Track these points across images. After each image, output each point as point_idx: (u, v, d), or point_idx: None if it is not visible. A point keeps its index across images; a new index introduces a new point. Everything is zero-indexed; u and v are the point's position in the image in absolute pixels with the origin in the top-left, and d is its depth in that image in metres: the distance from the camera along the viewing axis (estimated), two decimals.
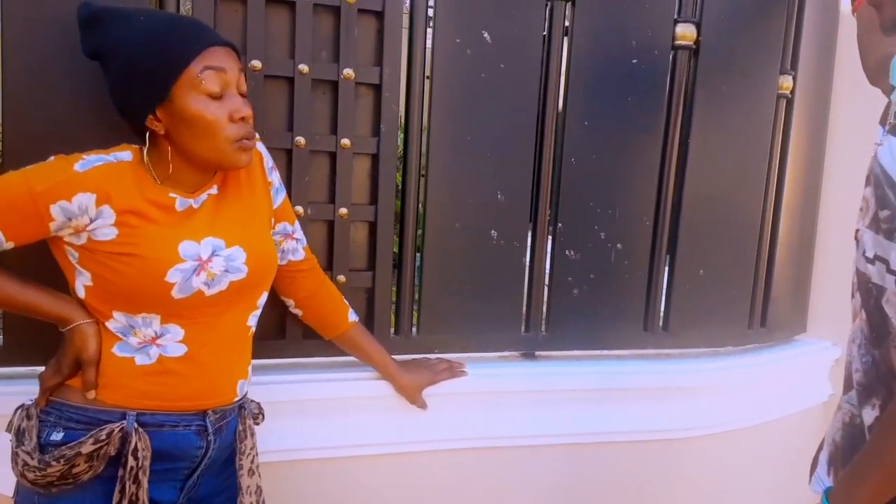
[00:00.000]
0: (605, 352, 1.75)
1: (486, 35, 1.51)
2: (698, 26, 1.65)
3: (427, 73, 1.50)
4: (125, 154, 1.08)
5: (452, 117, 1.52)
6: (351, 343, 1.44)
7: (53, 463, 1.02)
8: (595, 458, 1.70)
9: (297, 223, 1.33)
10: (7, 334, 1.31)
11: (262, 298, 1.22)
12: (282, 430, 1.43)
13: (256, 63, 1.34)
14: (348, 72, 1.40)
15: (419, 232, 1.57)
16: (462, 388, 1.55)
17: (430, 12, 1.49)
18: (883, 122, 1.00)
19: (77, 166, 1.02)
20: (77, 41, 1.10)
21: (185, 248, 1.06)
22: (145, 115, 1.05)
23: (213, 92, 1.05)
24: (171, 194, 1.09)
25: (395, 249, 1.55)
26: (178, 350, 1.10)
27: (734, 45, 1.69)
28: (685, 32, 1.63)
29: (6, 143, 1.24)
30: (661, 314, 1.79)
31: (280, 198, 1.28)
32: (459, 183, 1.55)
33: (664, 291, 1.77)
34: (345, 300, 1.42)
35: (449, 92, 1.50)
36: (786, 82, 1.75)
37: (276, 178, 1.27)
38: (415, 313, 1.60)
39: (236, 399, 1.19)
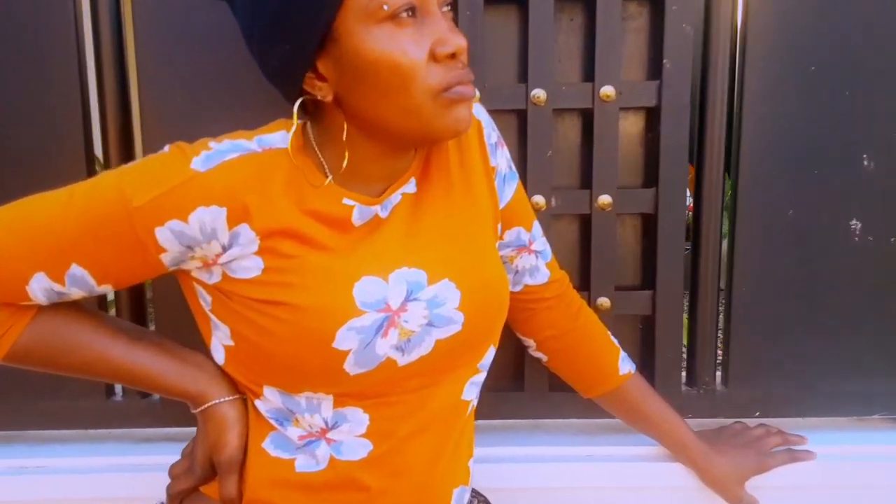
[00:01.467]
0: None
1: None
2: None
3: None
4: (276, 138, 0.67)
5: (781, 36, 0.93)
6: (624, 405, 0.93)
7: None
8: None
9: (536, 226, 0.85)
10: None
11: (487, 358, 0.76)
12: None
13: None
14: None
15: (728, 224, 1.00)
16: (807, 479, 0.95)
17: None
18: None
19: (196, 163, 0.63)
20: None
21: (363, 290, 0.66)
22: (301, 73, 0.64)
23: (402, 14, 0.61)
24: (346, 200, 0.67)
25: (690, 255, 1.00)
26: (360, 451, 0.70)
27: None
28: None
29: (145, 127, 0.93)
30: None
31: (510, 189, 0.81)
32: (792, 144, 0.95)
33: None
34: (613, 339, 0.91)
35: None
36: None
37: (503, 158, 0.80)
38: (720, 354, 1.04)
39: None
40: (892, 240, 0.97)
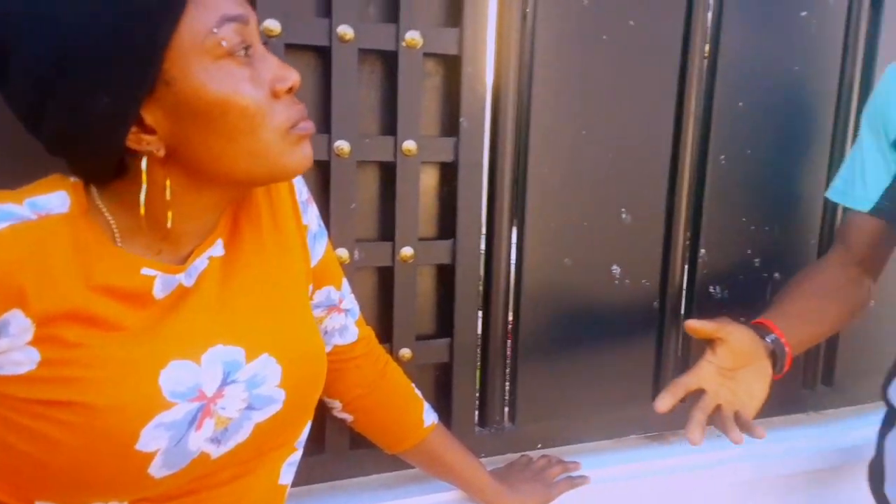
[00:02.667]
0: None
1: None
2: None
3: (524, 39, 1.00)
4: (52, 200, 0.56)
5: (561, 105, 1.02)
6: (427, 456, 0.93)
7: None
8: None
9: (345, 284, 0.82)
10: None
11: (305, 434, 0.72)
12: None
13: (273, 25, 0.83)
14: (412, 37, 0.89)
15: (515, 276, 1.06)
16: (583, 499, 1.06)
17: None
18: None
19: None
20: None
21: (172, 377, 0.57)
22: (124, 131, 0.54)
23: (239, 55, 0.55)
24: (146, 270, 0.58)
25: (482, 304, 1.05)
26: None
27: None
28: None
29: None
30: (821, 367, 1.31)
31: (321, 247, 0.77)
32: (567, 201, 1.05)
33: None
34: (417, 392, 0.91)
35: (557, 67, 1.00)
36: None
37: (313, 216, 0.77)
38: (509, 395, 1.10)
39: None
40: (644, 282, 1.12)
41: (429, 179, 0.99)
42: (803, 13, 1.12)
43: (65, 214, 0.55)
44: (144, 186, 0.56)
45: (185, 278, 0.61)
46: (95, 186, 0.59)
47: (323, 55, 0.88)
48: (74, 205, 0.56)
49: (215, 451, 0.60)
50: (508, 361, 1.10)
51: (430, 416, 0.91)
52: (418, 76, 0.91)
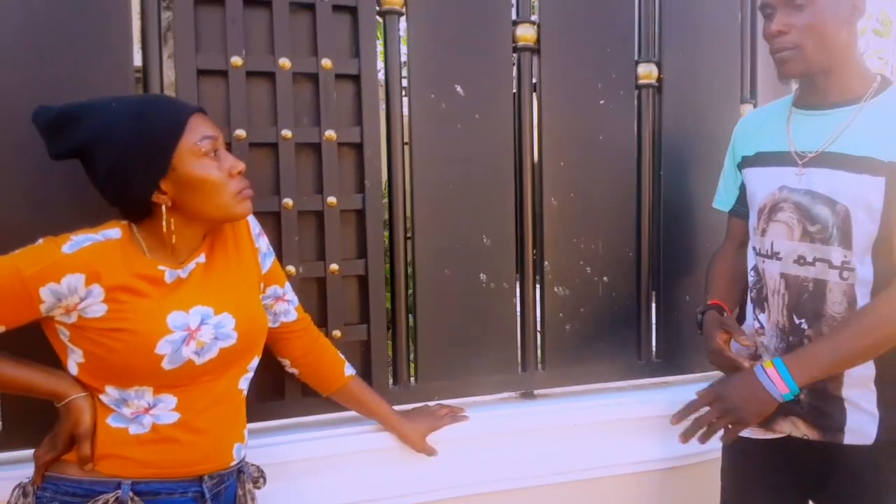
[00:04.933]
0: (603, 385, 1.77)
1: (458, 88, 1.57)
2: (659, 66, 1.73)
3: (405, 129, 1.56)
4: (114, 232, 1.11)
5: (433, 167, 1.57)
6: (350, 397, 1.45)
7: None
8: (603, 492, 1.70)
9: (287, 285, 1.36)
10: (6, 419, 1.32)
11: (254, 363, 1.23)
12: (286, 492, 1.42)
13: (241, 132, 1.40)
14: (330, 133, 1.46)
15: (410, 282, 1.60)
16: (465, 433, 1.56)
17: (405, 71, 1.56)
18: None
19: (65, 248, 1.05)
20: None
21: (173, 318, 1.09)
22: (151, 191, 1.09)
23: (211, 155, 1.11)
24: (161, 267, 1.12)
25: (388, 301, 1.58)
26: (172, 418, 1.12)
27: (695, 82, 1.77)
28: (648, 72, 1.72)
29: None
30: (654, 343, 1.82)
31: (269, 262, 1.31)
32: (445, 230, 1.59)
33: (654, 320, 1.81)
34: (340, 355, 1.44)
35: (428, 144, 1.56)
36: None
37: (263, 243, 1.31)
38: (412, 363, 1.62)
39: (233, 463, 1.20)
40: (504, 284, 1.65)
41: (348, 220, 1.53)
42: (601, 101, 1.68)
43: (119, 239, 1.11)
44: (165, 222, 1.11)
45: (182, 273, 1.14)
46: (135, 225, 1.14)
47: (273, 147, 1.44)
48: (124, 234, 1.12)
49: (198, 360, 1.10)
50: (411, 339, 1.62)
51: (349, 370, 1.44)
52: (334, 157, 1.47)
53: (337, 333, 1.51)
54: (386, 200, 1.57)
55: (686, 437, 1.29)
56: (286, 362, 1.41)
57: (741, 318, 1.53)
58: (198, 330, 1.10)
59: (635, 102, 1.72)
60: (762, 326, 1.41)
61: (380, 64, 1.52)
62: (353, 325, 1.54)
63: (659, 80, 1.73)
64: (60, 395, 1.09)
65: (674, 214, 1.77)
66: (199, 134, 1.10)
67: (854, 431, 1.28)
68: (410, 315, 1.61)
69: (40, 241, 1.07)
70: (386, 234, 1.56)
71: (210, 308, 1.13)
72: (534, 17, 1.64)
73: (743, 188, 1.47)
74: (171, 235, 1.12)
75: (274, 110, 1.43)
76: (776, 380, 1.21)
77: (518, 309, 1.69)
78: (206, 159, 1.10)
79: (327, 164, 1.47)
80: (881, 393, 1.26)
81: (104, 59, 1.32)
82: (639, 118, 1.73)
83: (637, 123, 1.73)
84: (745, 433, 1.43)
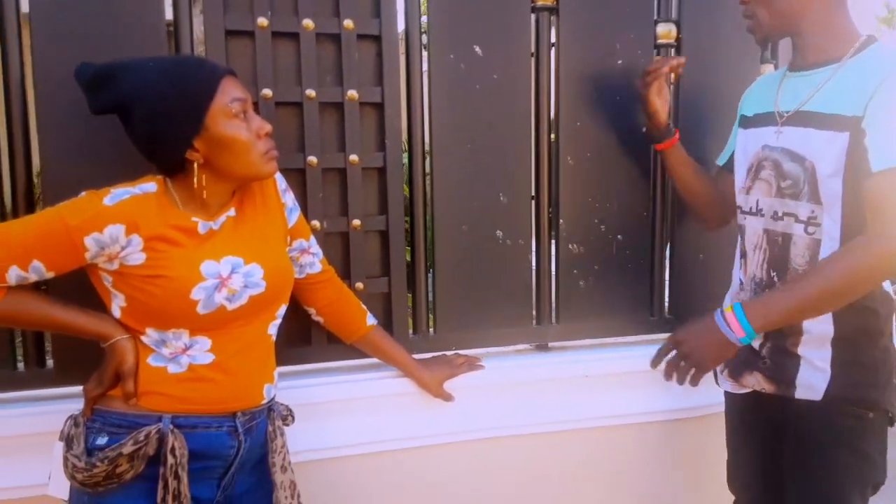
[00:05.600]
0: (616, 339, 1.83)
1: (477, 49, 1.61)
2: (678, 24, 1.74)
3: (425, 88, 1.60)
4: (150, 185, 1.19)
5: (451, 127, 1.62)
6: (371, 345, 1.54)
7: (98, 464, 1.13)
8: (612, 440, 1.78)
9: (312, 238, 1.43)
10: (57, 358, 1.43)
11: (281, 310, 1.32)
12: (312, 431, 1.53)
13: (267, 91, 1.46)
14: (352, 93, 1.52)
15: (429, 236, 1.67)
16: (482, 381, 1.64)
17: (425, 32, 1.60)
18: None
19: (106, 200, 1.13)
20: None
21: (206, 267, 1.17)
22: (185, 149, 1.15)
23: (241, 116, 1.17)
24: (194, 218, 1.19)
25: (408, 255, 1.65)
26: (207, 359, 1.21)
27: (714, 42, 1.78)
28: (667, 31, 1.73)
29: (45, 181, 1.37)
30: (667, 300, 1.87)
31: (294, 216, 1.38)
32: (463, 188, 1.65)
33: (667, 278, 1.85)
34: (363, 306, 1.52)
35: (447, 104, 1.61)
36: None
37: (289, 198, 1.38)
38: (430, 314, 1.70)
39: (264, 402, 1.29)
40: (520, 241, 1.71)
41: (370, 177, 1.60)
42: (619, 61, 1.70)
43: (154, 192, 1.18)
44: (196, 178, 1.18)
45: (214, 224, 1.22)
46: (170, 180, 1.21)
47: (298, 108, 1.50)
48: (160, 188, 1.19)
49: (229, 306, 1.18)
50: (430, 291, 1.70)
51: (371, 320, 1.52)
52: (356, 116, 1.53)
53: (360, 285, 1.59)
54: (406, 158, 1.63)
55: (666, 377, 1.34)
56: (312, 311, 1.49)
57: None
58: (229, 278, 1.18)
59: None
60: (741, 282, 1.46)
61: (400, 24, 1.57)
62: (375, 277, 1.62)
63: (678, 39, 1.75)
64: (106, 336, 1.19)
65: None
66: (230, 95, 1.15)
67: (804, 386, 1.32)
68: (429, 268, 1.68)
69: (83, 193, 1.15)
70: (406, 190, 1.62)
71: (240, 258, 1.21)
72: None
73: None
74: (203, 191, 1.19)
75: (298, 70, 1.49)
76: (733, 324, 1.23)
77: (533, 265, 1.75)
78: (236, 120, 1.16)
79: (349, 122, 1.53)
80: (836, 353, 1.29)
81: (138, 15, 1.39)
82: None
83: None
84: (725, 387, 1.50)
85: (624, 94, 1.72)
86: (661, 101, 1.55)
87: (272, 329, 1.31)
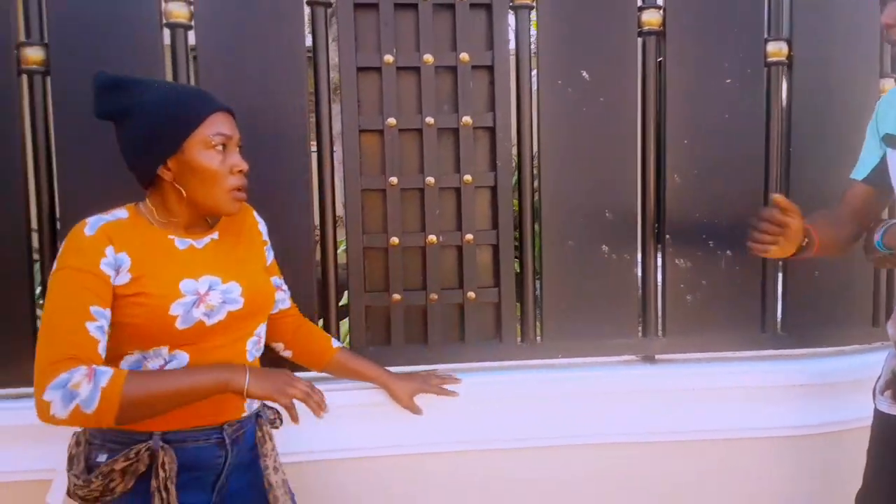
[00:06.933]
0: (724, 354, 1.84)
1: (584, 74, 1.71)
2: (789, 43, 1.75)
3: (534, 112, 1.72)
4: (122, 212, 1.24)
5: (559, 147, 1.73)
6: (340, 367, 1.55)
7: (94, 480, 1.19)
8: (717, 455, 1.79)
9: (282, 279, 1.50)
10: None
11: (261, 328, 1.35)
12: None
13: (392, 120, 1.64)
14: (466, 119, 1.66)
15: (537, 249, 1.78)
16: (588, 390, 1.73)
17: (534, 60, 1.72)
18: None
19: (86, 231, 1.17)
20: None
21: (185, 285, 1.21)
22: (158, 165, 1.21)
23: (219, 149, 1.23)
24: (170, 236, 1.25)
25: (517, 268, 1.77)
26: None
27: (826, 58, 1.76)
28: (778, 49, 1.74)
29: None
30: (780, 316, 1.86)
31: (270, 256, 1.46)
32: (570, 205, 1.74)
33: (780, 294, 1.84)
34: (326, 332, 1.59)
35: (555, 126, 1.72)
36: None
37: (266, 238, 1.45)
38: (538, 323, 1.80)
39: (244, 414, 1.32)
40: (626, 256, 1.77)
41: (482, 195, 1.73)
42: (728, 80, 1.73)
43: (127, 218, 1.21)
44: (168, 196, 1.22)
45: (196, 243, 1.25)
46: (148, 199, 1.23)
47: (419, 134, 1.67)
48: (131, 213, 1.22)
49: (207, 321, 1.20)
50: (538, 301, 1.80)
51: (336, 343, 1.54)
52: (471, 140, 1.68)
53: (471, 295, 1.73)
54: (516, 177, 1.75)
55: None
56: (279, 346, 1.52)
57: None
58: (207, 294, 1.22)
59: (765, 80, 1.75)
60: None
61: (511, 52, 1.70)
62: (486, 288, 1.75)
63: (789, 56, 1.75)
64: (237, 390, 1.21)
65: (803, 192, 1.79)
66: (214, 129, 1.21)
67: None
68: (537, 280, 1.79)
69: (61, 245, 1.18)
70: (516, 206, 1.75)
71: (218, 277, 1.25)
72: (659, 2, 1.72)
73: (883, 160, 1.48)
74: (170, 210, 1.25)
75: (419, 100, 1.66)
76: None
77: (639, 279, 1.81)
78: (212, 151, 1.21)
79: (464, 146, 1.68)
80: None
81: (283, 41, 1.62)
82: (767, 96, 1.76)
83: (766, 101, 1.77)
84: (882, 406, 1.47)
85: (733, 112, 1.75)
86: (788, 243, 1.42)
87: (251, 345, 1.33)
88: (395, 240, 1.69)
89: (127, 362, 1.21)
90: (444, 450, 1.70)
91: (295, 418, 1.26)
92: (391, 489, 1.71)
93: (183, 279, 1.21)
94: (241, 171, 1.25)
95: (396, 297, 1.70)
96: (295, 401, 1.24)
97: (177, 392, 1.14)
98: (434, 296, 1.71)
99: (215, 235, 1.31)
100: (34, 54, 1.56)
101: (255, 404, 1.35)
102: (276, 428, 1.41)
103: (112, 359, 1.19)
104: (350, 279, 1.69)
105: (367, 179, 1.68)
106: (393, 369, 1.62)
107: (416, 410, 1.62)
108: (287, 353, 1.53)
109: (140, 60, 1.56)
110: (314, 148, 1.67)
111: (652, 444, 1.77)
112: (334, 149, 1.70)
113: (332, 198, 1.72)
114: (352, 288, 1.70)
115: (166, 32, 1.60)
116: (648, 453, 1.77)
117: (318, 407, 1.28)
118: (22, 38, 1.57)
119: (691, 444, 1.77)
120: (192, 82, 1.64)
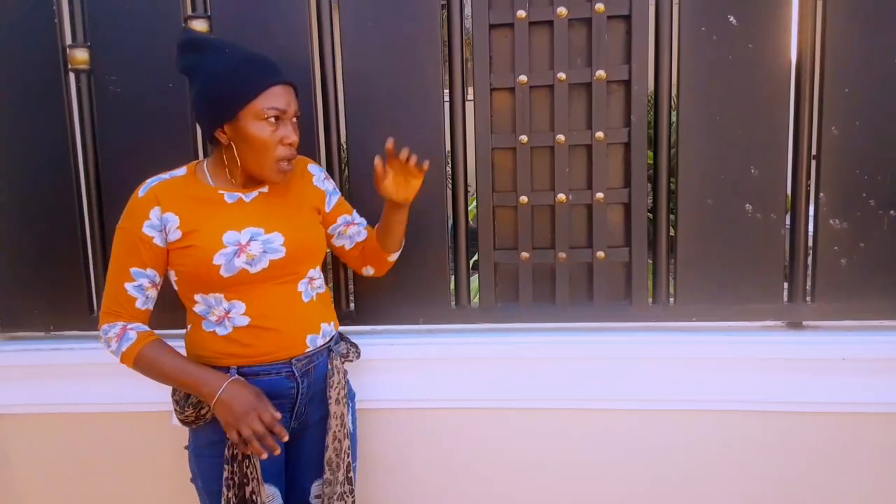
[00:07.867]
0: (882, 322, 1.69)
1: (731, 19, 1.58)
2: None
3: (674, 62, 1.63)
4: (180, 171, 1.38)
5: (701, 100, 1.62)
6: (379, 235, 1.54)
7: (187, 409, 1.37)
8: (866, 428, 1.67)
9: (355, 213, 1.56)
10: (358, 301, 1.78)
11: (312, 271, 1.44)
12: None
13: (523, 77, 1.62)
14: (600, 73, 1.61)
15: (672, 209, 1.70)
16: (723, 355, 1.66)
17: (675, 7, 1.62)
18: None
19: (140, 192, 1.34)
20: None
21: (228, 236, 1.32)
22: (215, 128, 1.32)
23: (272, 121, 1.31)
24: (220, 191, 1.36)
25: (650, 227, 1.71)
26: (244, 321, 1.36)
27: None
28: None
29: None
30: None
31: (335, 199, 1.53)
32: (710, 161, 1.65)
33: None
34: (370, 228, 1.60)
35: (697, 77, 1.62)
36: None
37: (329, 185, 1.52)
38: (671, 285, 1.74)
39: (308, 350, 1.41)
40: (772, 215, 1.66)
41: (615, 152, 1.68)
42: None
43: (183, 175, 1.36)
44: (225, 155, 1.34)
45: (245, 196, 1.36)
46: (209, 157, 1.38)
47: (550, 90, 1.64)
48: (189, 171, 1.37)
49: (251, 269, 1.31)
50: (672, 262, 1.74)
51: (366, 228, 1.57)
52: (604, 95, 1.62)
53: (601, 254, 1.70)
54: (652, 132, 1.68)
55: None
56: (370, 270, 1.59)
57: None
58: (247, 245, 1.32)
59: None
60: None
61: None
62: (616, 247, 1.71)
63: None
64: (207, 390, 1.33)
65: None
66: (269, 103, 1.29)
67: None
68: (671, 240, 1.72)
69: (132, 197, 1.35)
70: (651, 161, 1.68)
71: (261, 228, 1.35)
72: None
73: None
74: (226, 168, 1.37)
75: (551, 55, 1.62)
76: None
77: (787, 240, 1.69)
78: (264, 123, 1.29)
79: (597, 101, 1.63)
80: None
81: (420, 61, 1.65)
82: None
83: None
84: None
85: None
86: None
87: (302, 286, 1.42)
88: (524, 198, 1.69)
89: (197, 305, 1.37)
90: (565, 406, 1.72)
91: (248, 451, 1.31)
92: (531, 444, 1.76)
93: (227, 231, 1.32)
94: (290, 144, 1.33)
95: (525, 255, 1.71)
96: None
97: (167, 378, 1.34)
98: (563, 255, 1.70)
99: (265, 189, 1.40)
100: (80, 55, 1.73)
101: (320, 340, 1.44)
102: (351, 361, 1.52)
103: (186, 299, 1.38)
104: (480, 237, 1.72)
105: (497, 138, 1.68)
106: (520, 327, 1.64)
107: (399, 198, 1.45)
108: (370, 271, 1.59)
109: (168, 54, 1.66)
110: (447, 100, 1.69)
111: (791, 413, 1.68)
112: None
113: (464, 155, 1.74)
114: (482, 246, 1.72)
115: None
116: (784, 422, 1.68)
117: (261, 450, 1.30)
118: (68, 41, 1.75)
119: (837, 416, 1.66)
120: (335, 39, 1.71)
